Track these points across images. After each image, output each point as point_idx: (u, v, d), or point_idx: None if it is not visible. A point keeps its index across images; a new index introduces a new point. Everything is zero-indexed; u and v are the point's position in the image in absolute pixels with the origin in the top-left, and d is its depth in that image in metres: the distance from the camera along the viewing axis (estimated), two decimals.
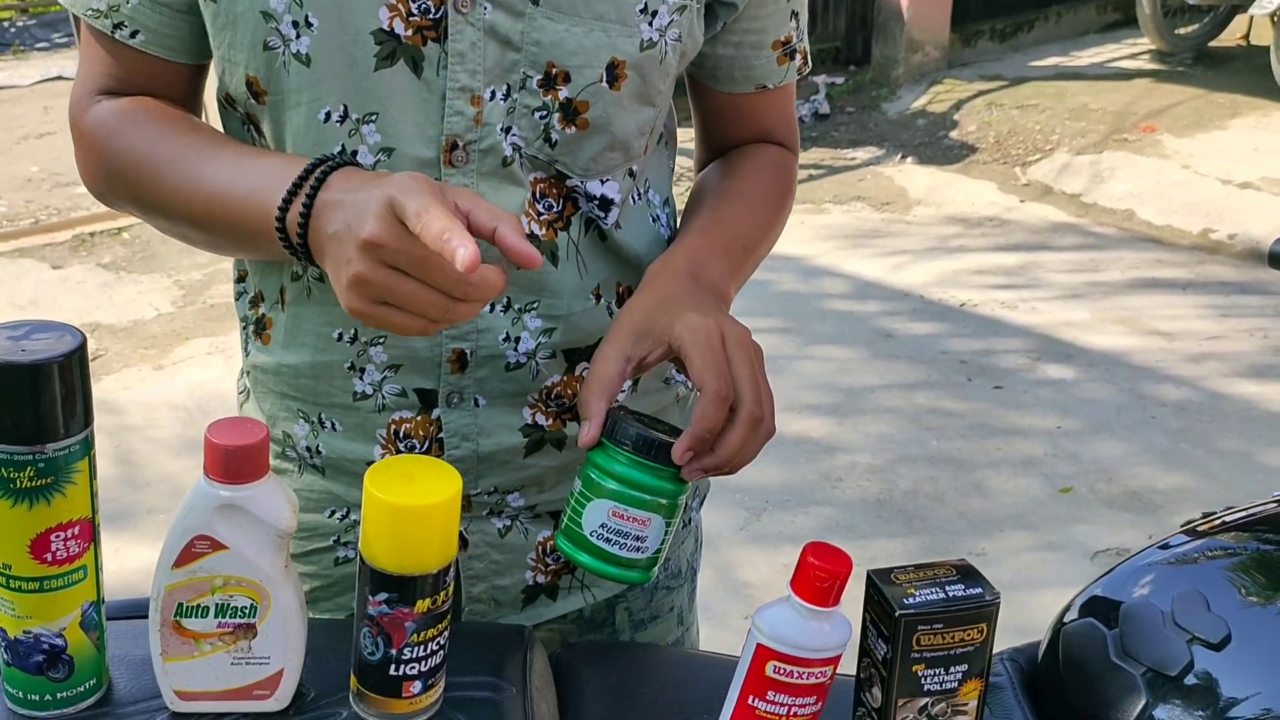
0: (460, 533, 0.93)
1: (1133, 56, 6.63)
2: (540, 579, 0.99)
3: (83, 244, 4.45)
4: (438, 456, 0.92)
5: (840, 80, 6.32)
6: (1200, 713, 0.79)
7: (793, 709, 0.78)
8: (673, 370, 1.01)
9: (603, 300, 0.93)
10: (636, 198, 0.95)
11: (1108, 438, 3.20)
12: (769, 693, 0.78)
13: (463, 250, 0.68)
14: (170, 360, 3.63)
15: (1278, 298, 4.05)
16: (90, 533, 0.73)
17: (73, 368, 0.69)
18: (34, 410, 0.68)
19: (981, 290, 4.17)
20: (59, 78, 6.41)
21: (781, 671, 0.77)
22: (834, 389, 3.46)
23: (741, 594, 2.55)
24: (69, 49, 7.09)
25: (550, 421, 0.94)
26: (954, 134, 5.79)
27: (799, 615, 0.77)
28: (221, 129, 0.93)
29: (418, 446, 0.92)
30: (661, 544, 0.82)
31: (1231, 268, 4.32)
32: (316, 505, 0.98)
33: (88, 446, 0.71)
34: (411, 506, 0.71)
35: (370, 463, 0.94)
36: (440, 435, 0.92)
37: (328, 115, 0.84)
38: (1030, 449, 3.15)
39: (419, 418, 0.91)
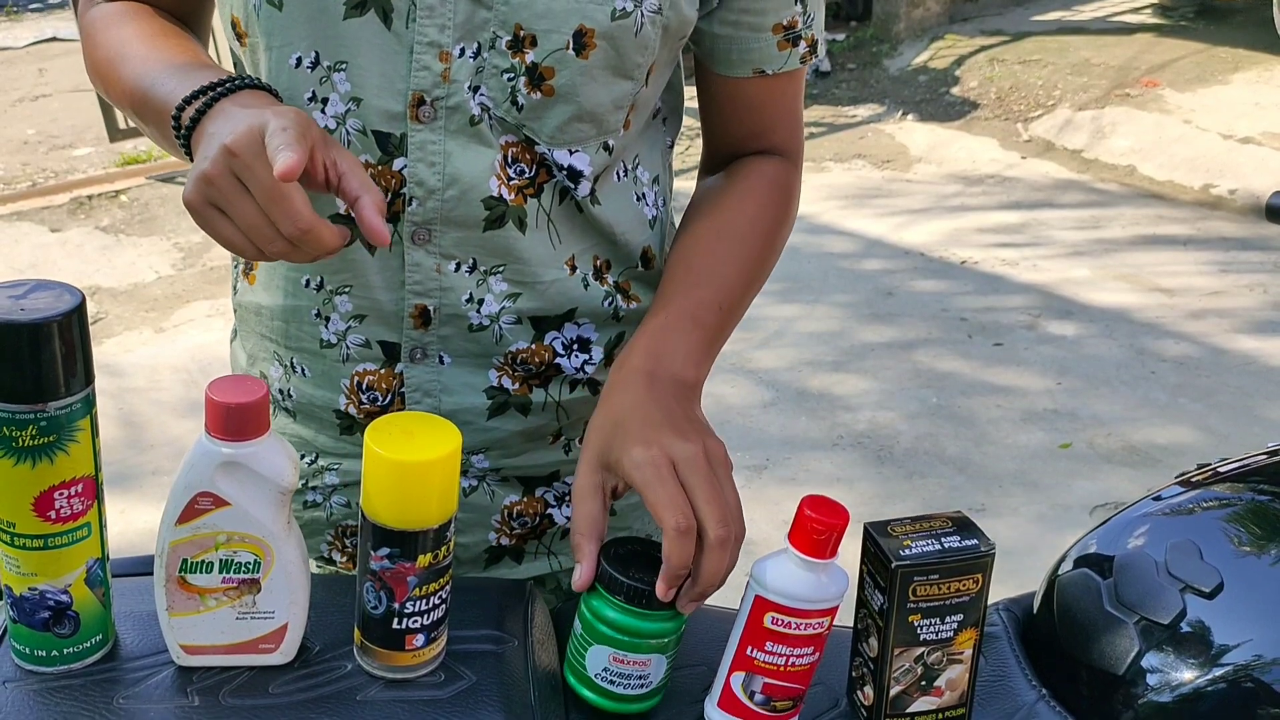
0: None
1: (1135, 10, 6.58)
2: (505, 541, 1.00)
3: (80, 207, 4.44)
4: (399, 410, 0.92)
5: (841, 37, 6.27)
6: (1193, 660, 0.80)
7: (790, 659, 0.79)
8: None
9: (578, 271, 0.92)
10: (622, 174, 0.93)
11: (1107, 393, 3.21)
12: (767, 643, 0.79)
13: (284, 154, 0.69)
14: (171, 323, 3.64)
15: (1278, 253, 4.04)
16: (93, 490, 0.74)
17: (72, 326, 0.69)
18: (35, 369, 0.68)
19: (982, 248, 4.16)
20: (53, 39, 6.37)
21: (779, 622, 0.78)
22: (835, 346, 3.47)
23: (744, 549, 2.57)
24: (63, 9, 7.03)
25: (516, 386, 0.94)
26: (955, 90, 5.76)
27: (796, 567, 0.78)
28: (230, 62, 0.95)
29: (380, 399, 0.92)
30: (666, 673, 0.83)
31: (1232, 223, 4.31)
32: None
33: (89, 404, 0.72)
34: (412, 462, 0.72)
35: (336, 410, 0.95)
36: (402, 390, 0.92)
37: (298, 61, 0.84)
38: (1030, 405, 3.16)
39: (382, 370, 0.92)
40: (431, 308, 0.90)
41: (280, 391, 0.98)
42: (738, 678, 0.81)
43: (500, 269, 0.90)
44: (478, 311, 0.90)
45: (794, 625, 0.79)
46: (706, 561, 0.78)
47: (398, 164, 0.86)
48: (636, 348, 0.87)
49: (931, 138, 5.30)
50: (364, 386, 0.93)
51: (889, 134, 5.38)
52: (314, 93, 0.85)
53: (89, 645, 0.77)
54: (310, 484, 1.00)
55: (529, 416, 0.95)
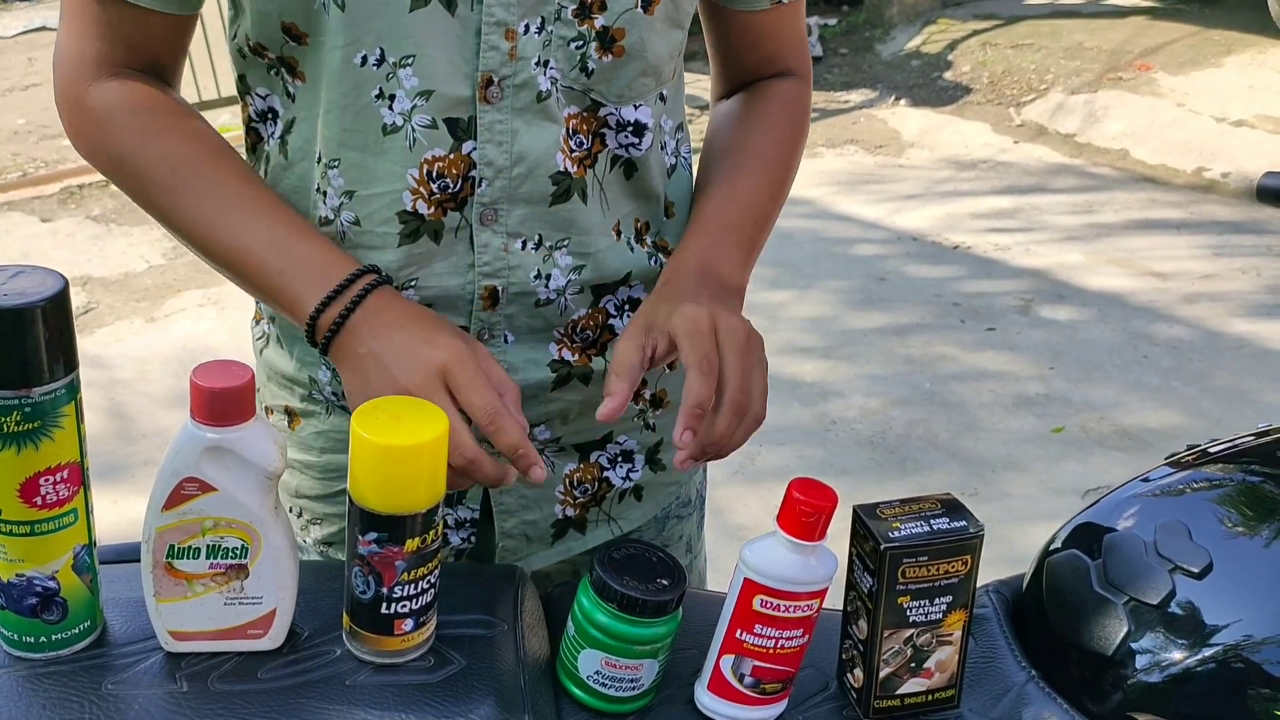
0: None
1: None
2: (570, 512, 1.01)
3: (71, 196, 4.42)
4: None
5: (833, 21, 6.25)
6: (1182, 640, 0.80)
7: (779, 641, 0.79)
8: None
9: (623, 236, 0.94)
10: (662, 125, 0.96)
11: (1100, 378, 3.21)
12: (756, 626, 0.79)
13: (537, 470, 0.81)
14: (162, 313, 3.62)
15: (1271, 236, 4.05)
16: (79, 476, 0.74)
17: (56, 311, 0.69)
18: (19, 354, 0.68)
19: (975, 233, 4.16)
20: (43, 28, 6.34)
21: (768, 605, 0.78)
22: (828, 332, 3.46)
23: (736, 536, 2.57)
24: None
25: (576, 357, 0.95)
26: (948, 75, 5.75)
27: (785, 549, 0.78)
28: (235, 76, 0.93)
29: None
30: (657, 677, 0.83)
31: (1226, 206, 4.32)
32: (343, 446, 0.98)
33: (74, 390, 0.72)
34: (398, 446, 0.72)
35: None
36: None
37: (364, 59, 0.84)
38: (1022, 390, 3.16)
39: None
40: (500, 287, 0.90)
41: (334, 393, 0.97)
42: (727, 660, 0.81)
43: (565, 242, 0.91)
44: (546, 286, 0.91)
45: (783, 608, 0.79)
46: (719, 420, 0.81)
47: (466, 148, 0.86)
48: (688, 255, 0.92)
49: (924, 122, 5.29)
50: None
51: (881, 119, 5.37)
52: (380, 90, 0.84)
53: (77, 631, 0.77)
54: None
55: (590, 385, 0.96)
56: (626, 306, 0.96)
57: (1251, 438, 0.96)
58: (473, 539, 1.00)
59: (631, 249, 0.95)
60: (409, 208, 0.87)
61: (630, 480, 1.02)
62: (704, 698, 0.83)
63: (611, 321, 0.96)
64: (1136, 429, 2.96)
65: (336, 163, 0.87)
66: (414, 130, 0.85)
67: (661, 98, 0.93)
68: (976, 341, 3.42)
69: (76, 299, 3.64)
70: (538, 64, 0.85)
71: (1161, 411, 3.05)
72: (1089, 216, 4.29)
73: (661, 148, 0.97)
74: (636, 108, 0.90)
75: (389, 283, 0.86)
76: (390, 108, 0.85)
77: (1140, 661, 0.81)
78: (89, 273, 3.87)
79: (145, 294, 3.74)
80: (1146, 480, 0.93)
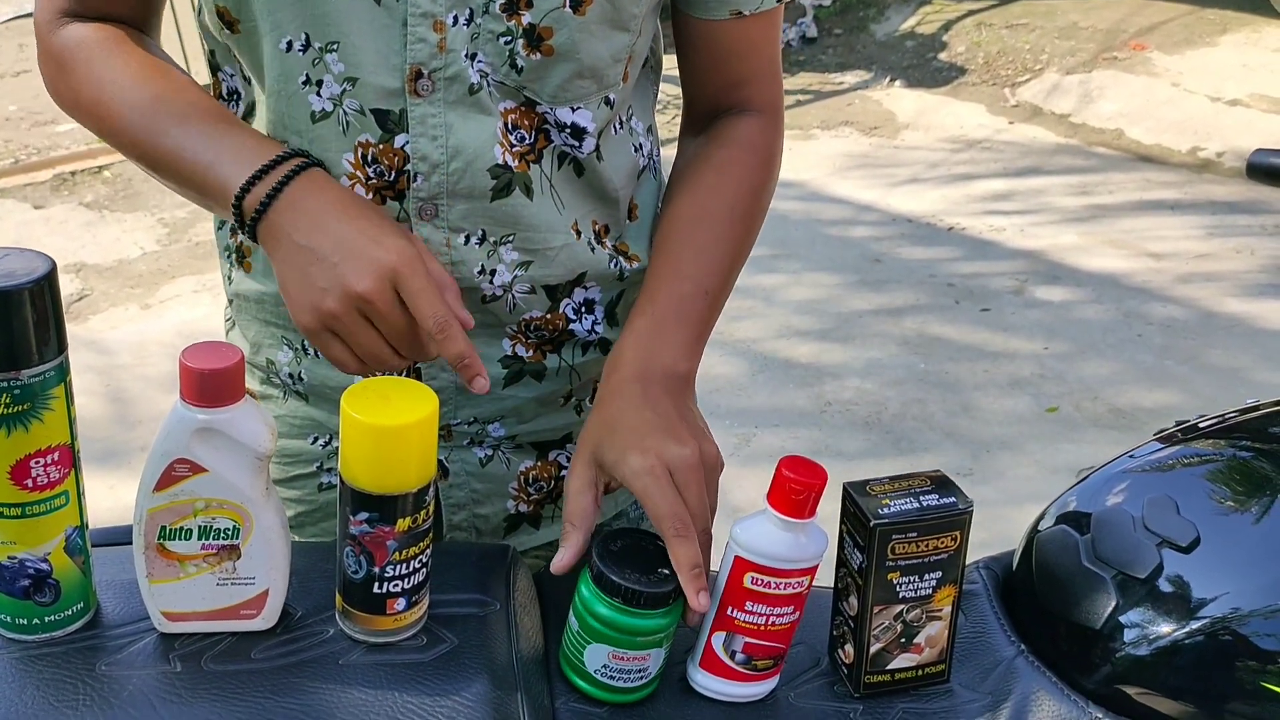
0: (440, 461, 0.95)
1: None
2: (522, 508, 1.01)
3: (64, 183, 4.41)
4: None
5: (828, 2, 6.23)
6: (1170, 614, 0.81)
7: (770, 618, 0.80)
8: None
9: (583, 236, 0.92)
10: (619, 126, 0.93)
11: (1094, 357, 3.22)
12: (747, 603, 0.80)
13: (481, 380, 0.80)
14: (157, 299, 3.62)
15: (1265, 216, 4.05)
16: (70, 458, 0.74)
17: (44, 292, 0.69)
18: (7, 336, 0.68)
19: (970, 214, 4.16)
20: (31, 15, 6.30)
21: (759, 582, 0.79)
22: (823, 314, 3.47)
23: (731, 517, 2.57)
24: None
25: (530, 353, 0.94)
26: (943, 55, 5.73)
27: (775, 527, 0.78)
28: (205, 52, 0.93)
29: (394, 375, 0.92)
30: (664, 662, 0.83)
31: (1221, 185, 4.31)
32: (300, 431, 0.99)
33: (63, 372, 0.72)
34: (389, 426, 0.72)
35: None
36: (417, 367, 0.92)
37: (289, 45, 0.83)
38: (1017, 370, 3.16)
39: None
40: None
41: (290, 375, 0.97)
42: (719, 637, 0.81)
43: (510, 238, 0.89)
44: (490, 282, 0.90)
45: (773, 585, 0.79)
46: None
47: (399, 141, 0.85)
48: (626, 351, 0.88)
49: (919, 104, 5.28)
50: None
51: (876, 100, 5.36)
52: (308, 76, 0.84)
53: (70, 613, 0.77)
54: (325, 466, 1.00)
55: (544, 382, 0.95)
56: (584, 310, 0.95)
57: (1238, 413, 0.96)
58: None
59: (592, 249, 0.93)
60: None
61: None
62: (696, 675, 0.83)
63: (573, 326, 0.94)
64: (1130, 408, 2.97)
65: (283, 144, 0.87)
66: (345, 114, 0.85)
67: (608, 102, 0.89)
68: (972, 322, 3.43)
69: (71, 286, 3.64)
70: (467, 56, 0.84)
71: (1155, 391, 3.05)
72: (1084, 197, 4.29)
73: (636, 149, 0.95)
74: (575, 110, 0.88)
75: (321, 166, 0.83)
76: (319, 94, 0.84)
77: (1128, 635, 0.81)
78: (83, 259, 3.86)
79: (140, 280, 3.73)
80: (1134, 456, 0.93)
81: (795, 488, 0.77)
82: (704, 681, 0.83)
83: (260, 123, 0.89)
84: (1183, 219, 4.08)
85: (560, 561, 0.81)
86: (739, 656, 0.81)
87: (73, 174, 4.46)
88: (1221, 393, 3.01)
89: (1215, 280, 3.64)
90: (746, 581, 0.79)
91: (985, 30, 5.87)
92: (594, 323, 0.95)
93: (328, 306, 0.77)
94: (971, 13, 6.07)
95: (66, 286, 3.66)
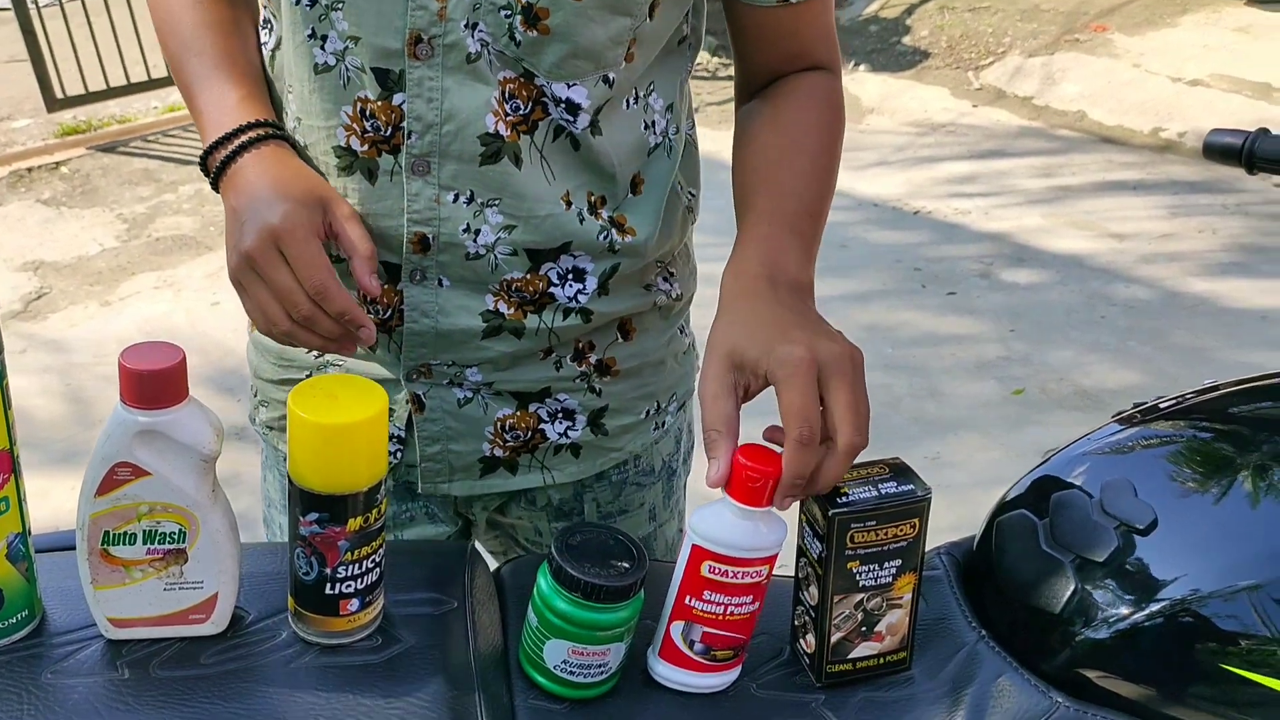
0: (419, 395, 0.97)
1: None
2: (498, 452, 1.01)
3: (20, 180, 4.34)
4: (397, 328, 0.95)
5: None
6: (1128, 596, 0.81)
7: (729, 608, 0.79)
8: (656, 278, 1.01)
9: (574, 206, 0.93)
10: (632, 101, 0.93)
11: (1059, 339, 3.23)
12: (705, 592, 0.79)
13: (366, 331, 0.85)
14: (117, 296, 3.57)
15: (1227, 195, 4.08)
16: (9, 464, 0.72)
17: None
18: None
19: (936, 198, 4.17)
20: None
21: (716, 571, 0.78)
22: None
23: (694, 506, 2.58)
24: None
25: (511, 310, 0.95)
26: (906, 39, 5.74)
27: (733, 515, 0.78)
28: None
29: (380, 312, 0.95)
30: (624, 658, 0.82)
31: (1183, 165, 4.35)
32: None
33: None
34: (336, 425, 0.70)
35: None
36: (402, 306, 0.94)
37: None
38: (983, 353, 3.18)
39: (385, 287, 0.94)
40: (430, 235, 0.91)
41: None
42: (677, 627, 0.80)
43: (496, 201, 0.91)
44: (474, 241, 0.91)
45: (730, 574, 0.78)
46: (831, 464, 0.77)
47: (397, 99, 0.87)
48: (750, 256, 0.87)
49: (884, 88, 5.29)
50: (369, 301, 0.95)
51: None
52: (314, 30, 0.87)
53: (14, 621, 0.75)
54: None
55: (522, 340, 0.96)
56: (570, 276, 0.95)
57: (1196, 395, 0.96)
58: (399, 454, 1.01)
59: (582, 220, 0.93)
60: (343, 143, 0.90)
61: (568, 438, 1.02)
62: (656, 665, 0.82)
63: (553, 290, 0.95)
64: (1095, 389, 2.99)
65: (290, 89, 0.92)
66: (347, 69, 0.88)
67: (606, 80, 0.90)
68: (938, 306, 3.44)
69: (29, 284, 3.58)
70: (466, 26, 0.85)
71: (1119, 371, 3.07)
72: (1048, 179, 4.31)
73: (647, 126, 0.95)
74: (570, 86, 0.89)
75: (284, 139, 0.90)
76: (323, 47, 0.88)
77: (1088, 619, 0.81)
78: (41, 257, 3.80)
79: (99, 277, 3.68)
80: (1093, 439, 0.93)
81: (752, 475, 0.76)
82: (663, 672, 0.82)
83: (282, 63, 0.94)
84: (1145, 199, 4.11)
85: (715, 475, 0.77)
86: (698, 646, 0.80)
87: (29, 170, 4.39)
88: (1185, 372, 3.03)
89: (1178, 260, 3.67)
90: (704, 570, 0.78)
91: (948, 14, 5.88)
92: (579, 291, 0.96)
93: (233, 262, 0.84)
94: None
95: (24, 285, 3.60)
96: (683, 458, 1.16)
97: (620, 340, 1.01)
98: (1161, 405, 0.96)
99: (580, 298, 0.96)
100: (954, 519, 0.86)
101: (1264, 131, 1.15)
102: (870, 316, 3.37)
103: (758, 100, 1.00)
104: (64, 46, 4.55)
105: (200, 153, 0.90)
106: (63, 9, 4.72)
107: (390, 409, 0.96)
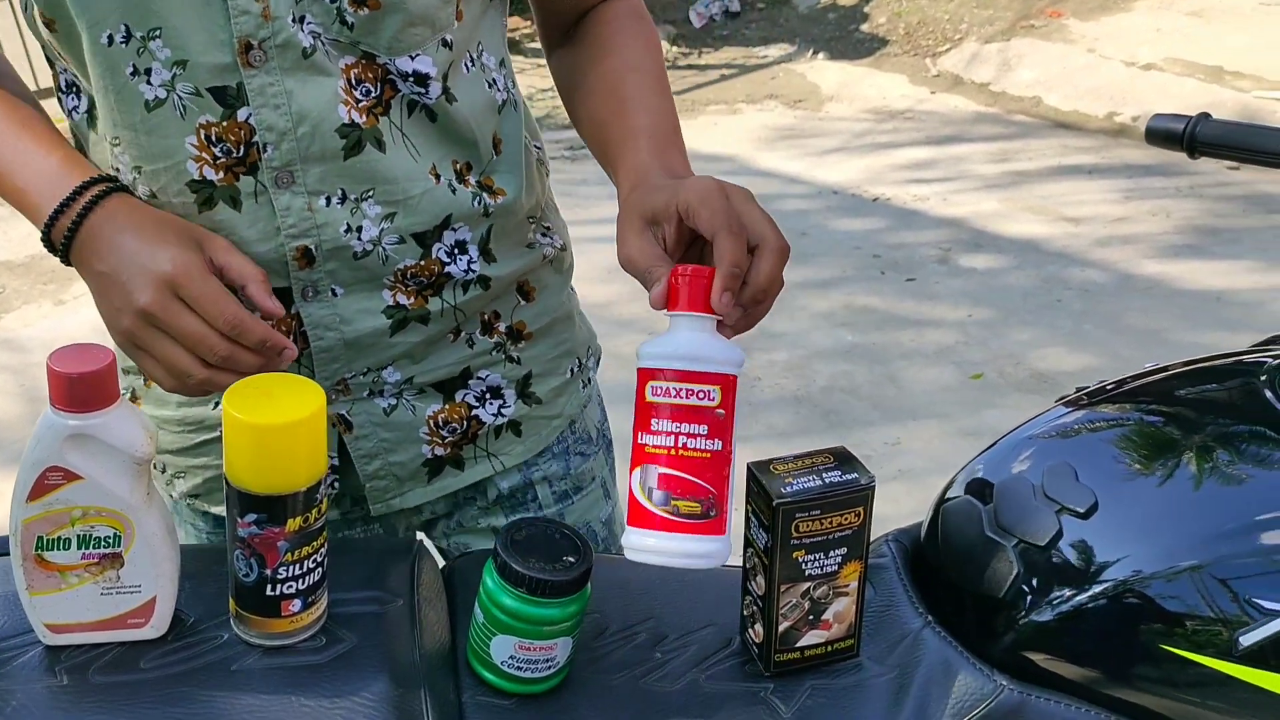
0: (343, 415, 0.95)
1: None
2: (440, 451, 1.00)
3: None
4: (304, 350, 0.92)
5: None
6: (1070, 579, 0.81)
7: (680, 438, 0.74)
8: (534, 234, 1.01)
9: (443, 179, 0.92)
10: (470, 64, 0.93)
11: (1016, 324, 3.26)
12: (652, 420, 0.74)
13: (288, 351, 0.82)
14: (71, 295, 3.53)
15: (1180, 178, 4.12)
16: None
17: None
18: None
19: (895, 184, 4.19)
20: None
21: (660, 391, 0.73)
22: None
23: None
24: None
25: (412, 300, 0.94)
26: (864, 27, 5.76)
27: (677, 329, 0.75)
28: (41, 44, 0.91)
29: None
30: (571, 652, 0.81)
31: (1136, 150, 4.39)
32: (201, 398, 0.97)
33: None
34: (272, 425, 0.70)
35: None
36: (303, 329, 0.92)
37: (110, 38, 0.83)
38: (942, 338, 3.20)
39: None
40: (312, 246, 0.89)
41: None
42: (635, 476, 0.76)
43: (370, 193, 0.89)
44: (359, 239, 0.90)
45: (674, 392, 0.73)
46: (764, 262, 0.79)
47: (242, 114, 0.84)
48: (643, 155, 0.90)
49: (842, 76, 5.30)
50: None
51: (800, 73, 5.37)
52: (134, 66, 0.83)
53: None
54: None
55: (430, 325, 0.95)
56: (456, 251, 0.94)
57: (1140, 377, 0.97)
58: (335, 484, 0.99)
59: (454, 190, 0.93)
60: (196, 176, 0.86)
61: (503, 416, 1.01)
62: (627, 538, 0.77)
63: (449, 269, 0.94)
64: (1051, 372, 3.01)
65: (118, 141, 0.87)
66: (180, 99, 0.84)
67: (445, 44, 0.89)
68: (897, 292, 3.45)
69: None
70: (294, 21, 0.83)
71: (1075, 354, 3.10)
72: (1005, 164, 4.34)
73: (490, 85, 0.95)
74: (414, 58, 0.87)
75: (124, 190, 0.86)
76: (149, 82, 0.84)
77: (1030, 602, 0.82)
78: None
79: (53, 276, 3.64)
80: (1037, 423, 0.94)
81: (688, 279, 0.74)
82: (632, 540, 0.77)
83: (99, 118, 0.88)
84: (1099, 183, 4.15)
85: (656, 292, 0.78)
86: (656, 495, 0.75)
87: None
88: (1140, 354, 3.07)
89: (1132, 243, 3.70)
90: (648, 394, 0.73)
91: (906, 1, 5.90)
92: (469, 262, 0.95)
93: (124, 325, 0.80)
94: None
95: None
96: (610, 428, 1.15)
97: (523, 303, 1.01)
98: (1106, 388, 0.97)
99: (474, 267, 0.95)
100: (913, 504, 0.87)
101: (1205, 116, 1.16)
102: (830, 304, 3.39)
103: (575, 43, 1.02)
104: (18, 43, 4.47)
105: (43, 230, 0.84)
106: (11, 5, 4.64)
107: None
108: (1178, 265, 3.55)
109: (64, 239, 0.83)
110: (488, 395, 1.00)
